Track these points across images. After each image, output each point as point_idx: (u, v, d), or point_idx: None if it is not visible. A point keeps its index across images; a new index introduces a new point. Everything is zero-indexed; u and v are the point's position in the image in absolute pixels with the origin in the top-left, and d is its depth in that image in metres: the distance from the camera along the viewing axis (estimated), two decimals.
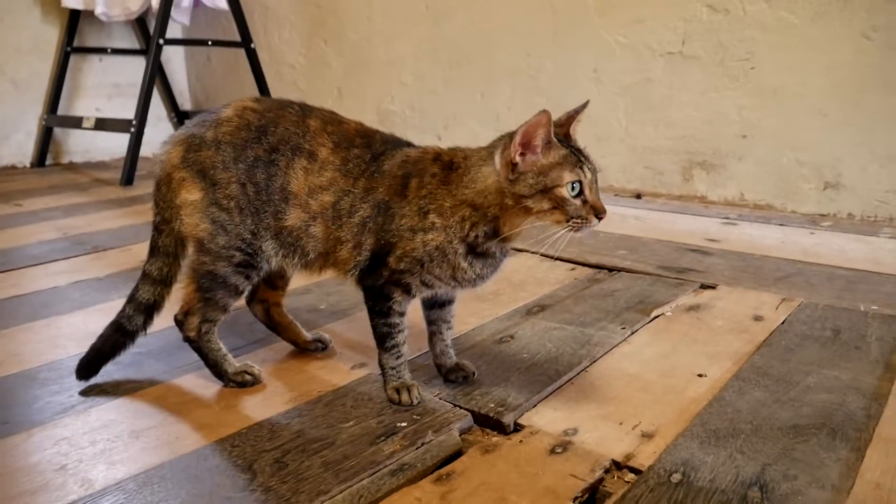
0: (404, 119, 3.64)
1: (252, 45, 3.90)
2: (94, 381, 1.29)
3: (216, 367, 1.28)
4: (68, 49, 4.06)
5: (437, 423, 1.12)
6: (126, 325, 1.27)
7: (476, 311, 1.65)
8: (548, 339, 1.47)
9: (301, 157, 1.20)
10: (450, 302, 1.29)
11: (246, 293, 1.28)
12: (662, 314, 1.63)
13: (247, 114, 1.23)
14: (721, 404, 1.18)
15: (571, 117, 1.15)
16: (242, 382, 1.27)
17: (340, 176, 1.19)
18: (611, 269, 1.97)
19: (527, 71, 3.17)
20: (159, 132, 4.58)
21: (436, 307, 1.29)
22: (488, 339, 1.48)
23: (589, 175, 1.08)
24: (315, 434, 1.10)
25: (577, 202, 1.07)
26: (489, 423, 1.14)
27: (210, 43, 4.11)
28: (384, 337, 1.21)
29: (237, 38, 3.90)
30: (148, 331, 1.30)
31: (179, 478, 0.99)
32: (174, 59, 4.67)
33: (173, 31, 4.16)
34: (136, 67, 4.26)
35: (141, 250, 2.20)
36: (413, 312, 1.26)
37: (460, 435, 1.11)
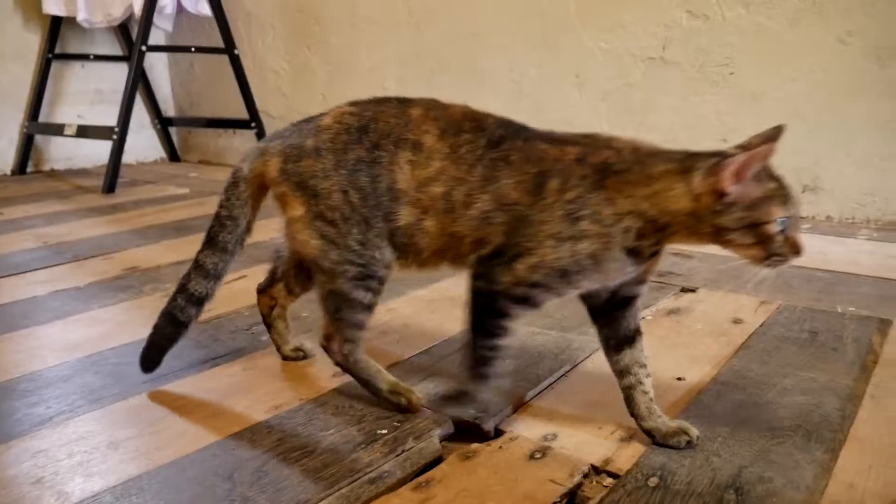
0: None
1: (235, 52, 3.89)
2: (72, 393, 1.28)
3: (367, 386, 1.22)
4: (50, 56, 4.03)
5: (418, 430, 1.12)
6: (179, 316, 1.25)
7: (457, 317, 1.64)
8: (529, 344, 1.47)
9: (405, 150, 1.10)
10: (637, 333, 1.10)
11: (376, 304, 1.19)
12: (643, 318, 1.64)
13: (345, 118, 1.16)
14: (699, 407, 1.19)
15: (768, 138, 0.99)
16: (397, 404, 1.18)
17: (450, 164, 1.08)
18: None
19: (509, 76, 3.19)
20: (142, 139, 4.57)
21: (625, 347, 1.09)
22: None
23: (795, 210, 0.97)
24: (295, 442, 1.10)
25: (780, 238, 0.96)
26: (470, 429, 1.15)
27: (193, 49, 4.10)
28: (480, 362, 1.06)
29: (220, 44, 3.89)
30: (199, 320, 1.29)
31: (158, 489, 0.98)
32: (157, 66, 4.65)
33: (156, 37, 4.14)
34: (118, 74, 4.22)
35: (124, 258, 2.21)
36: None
37: (441, 442, 1.12)
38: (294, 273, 1.34)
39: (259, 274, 1.45)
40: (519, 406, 1.22)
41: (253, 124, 3.94)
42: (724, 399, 1.22)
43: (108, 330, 1.60)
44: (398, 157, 1.10)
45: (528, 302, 1.04)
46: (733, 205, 0.94)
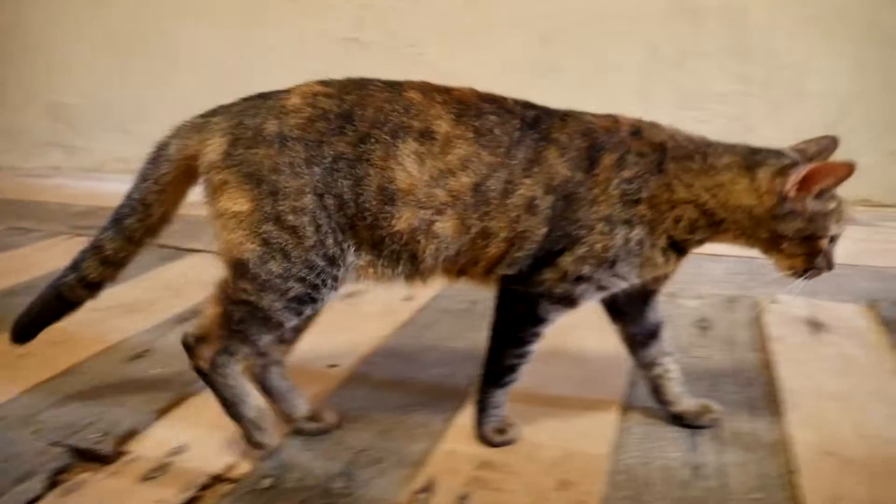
0: (81, 113, 3.28)
1: None
2: None
3: (229, 407, 1.00)
4: None
5: (21, 471, 1.00)
6: (67, 295, 1.08)
7: (118, 326, 1.52)
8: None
9: (408, 140, 0.94)
10: (661, 325, 1.08)
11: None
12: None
13: (320, 100, 0.96)
14: (341, 396, 1.21)
15: (826, 149, 0.99)
16: (256, 441, 1.00)
17: (481, 149, 0.94)
18: None
19: (213, 59, 3.02)
20: None
21: (651, 340, 1.07)
22: (120, 357, 1.37)
23: (844, 227, 0.96)
24: None
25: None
26: (88, 456, 1.05)
27: None
28: (507, 371, 1.02)
29: None
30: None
31: None
32: None
33: None
34: None
35: None
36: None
37: (57, 475, 1.01)
38: None
39: None
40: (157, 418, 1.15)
41: None
42: (367, 381, 1.26)
43: None
44: (399, 151, 0.94)
45: (568, 301, 0.97)
46: (794, 213, 0.92)
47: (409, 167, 0.93)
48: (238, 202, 0.93)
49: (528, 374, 1.04)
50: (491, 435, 1.04)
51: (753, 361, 1.34)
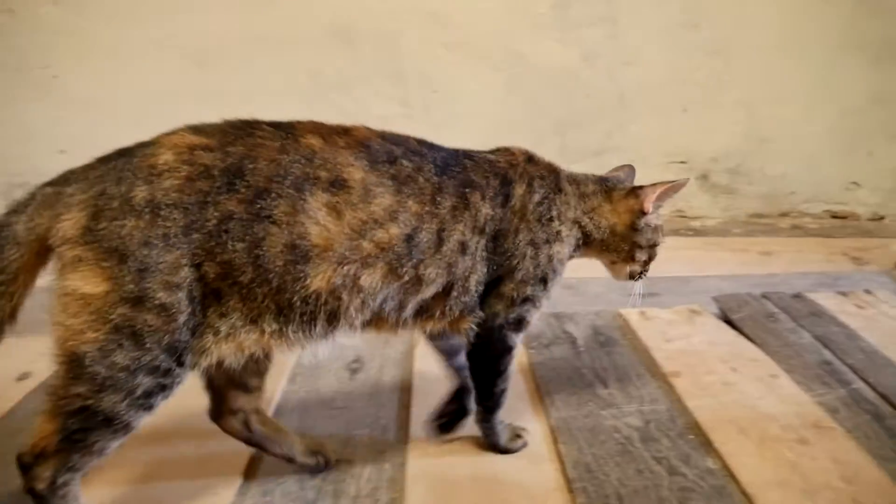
0: None
1: None
2: None
3: None
4: None
5: None
6: None
7: None
8: None
9: (317, 192, 0.87)
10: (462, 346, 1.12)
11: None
12: None
13: (199, 155, 0.84)
14: None
15: (629, 175, 1.20)
16: None
17: (406, 198, 0.93)
18: None
19: None
20: None
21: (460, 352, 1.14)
22: None
23: None
24: None
25: None
26: None
27: None
28: (499, 396, 1.11)
29: None
30: None
31: None
32: None
33: None
34: None
35: None
36: None
37: None
38: (243, 367, 0.96)
39: None
40: None
41: None
42: None
43: None
44: (307, 204, 0.87)
45: (522, 323, 1.06)
46: (647, 227, 1.12)
47: (322, 221, 0.87)
48: (91, 282, 0.81)
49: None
50: (509, 443, 1.15)
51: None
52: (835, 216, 2.77)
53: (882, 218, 2.76)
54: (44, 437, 0.84)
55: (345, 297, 0.91)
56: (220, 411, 1.05)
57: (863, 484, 1.07)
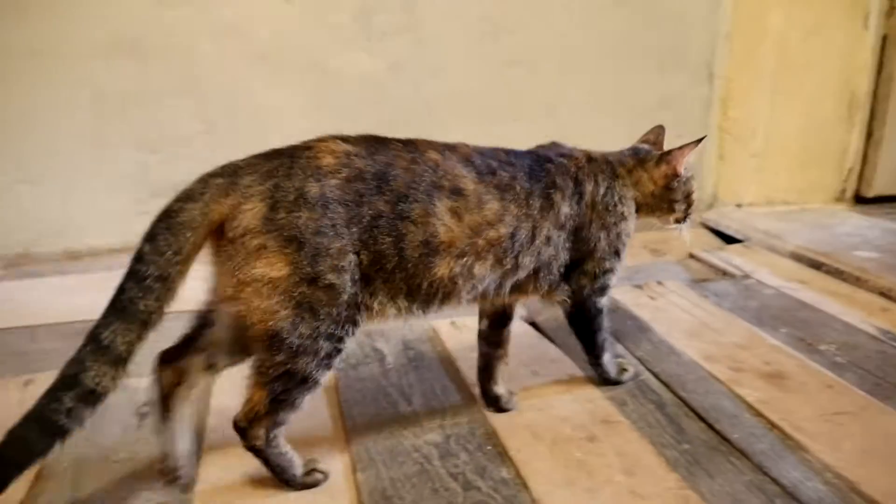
0: None
1: None
2: None
3: (283, 474, 1.08)
4: None
5: None
6: (59, 421, 0.90)
7: None
8: None
9: (443, 197, 1.07)
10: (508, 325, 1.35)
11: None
12: None
13: (354, 160, 1.02)
14: None
15: (660, 135, 1.43)
16: (315, 483, 1.09)
17: (508, 203, 1.13)
18: None
19: None
20: None
21: (505, 326, 1.35)
22: None
23: None
24: None
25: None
26: None
27: None
28: (604, 343, 1.36)
29: None
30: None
31: None
32: None
33: None
34: None
35: None
36: None
37: None
38: (230, 342, 1.07)
39: None
40: None
41: None
42: None
43: None
44: (436, 208, 1.06)
45: (605, 289, 1.30)
46: (680, 184, 1.31)
47: (447, 222, 1.06)
48: (276, 267, 0.95)
49: None
50: (618, 374, 1.41)
51: None
52: None
53: None
54: (255, 403, 1.02)
55: (460, 282, 1.11)
56: (171, 359, 1.10)
57: (641, 474, 1.12)
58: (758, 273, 2.14)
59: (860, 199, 3.20)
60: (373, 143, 1.07)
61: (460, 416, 1.31)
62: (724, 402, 1.35)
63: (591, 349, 1.37)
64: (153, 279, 0.94)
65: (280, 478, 1.08)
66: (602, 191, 1.25)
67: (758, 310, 1.84)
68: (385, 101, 2.44)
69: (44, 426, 0.91)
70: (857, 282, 2.09)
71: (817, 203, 3.09)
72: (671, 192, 1.32)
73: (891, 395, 1.38)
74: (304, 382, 1.02)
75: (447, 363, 1.54)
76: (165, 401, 1.10)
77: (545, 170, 1.20)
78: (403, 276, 1.06)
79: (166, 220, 0.96)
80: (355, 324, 1.04)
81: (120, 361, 0.94)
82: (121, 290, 0.95)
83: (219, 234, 0.98)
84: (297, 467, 1.09)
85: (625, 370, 1.42)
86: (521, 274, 1.19)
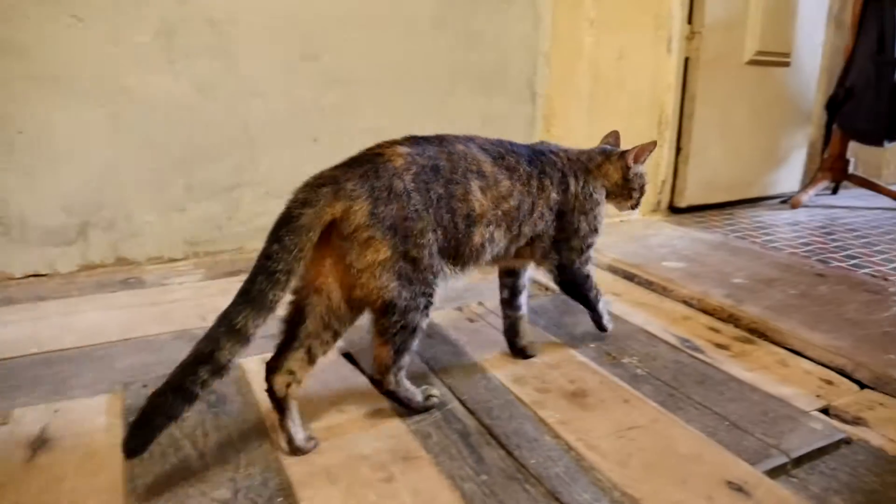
0: None
1: None
2: None
3: (410, 403, 1.37)
4: None
5: None
6: (195, 390, 1.09)
7: None
8: None
9: (474, 178, 1.33)
10: (523, 288, 1.66)
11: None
12: None
13: (416, 158, 1.27)
14: None
15: (617, 139, 1.72)
16: (433, 405, 1.40)
17: (516, 182, 1.41)
18: None
19: None
20: None
21: (520, 294, 1.67)
22: None
23: None
24: None
25: None
26: None
27: None
28: (595, 298, 1.70)
29: None
30: None
31: None
32: None
33: None
34: None
35: None
36: None
37: None
38: (321, 332, 1.27)
39: None
40: None
41: None
42: None
43: None
44: (471, 187, 1.33)
45: (589, 258, 1.60)
46: (635, 175, 1.62)
47: (479, 198, 1.34)
48: (382, 252, 1.19)
49: None
50: (608, 324, 1.79)
51: None
52: None
53: None
54: (384, 357, 1.29)
55: (487, 246, 1.38)
56: (277, 366, 1.28)
57: None
58: None
59: (674, 210, 3.44)
60: (419, 143, 1.31)
61: (254, 465, 1.23)
62: (526, 427, 1.36)
63: (586, 304, 1.71)
64: (281, 273, 1.11)
65: (408, 407, 1.37)
66: (581, 184, 1.54)
67: (572, 326, 1.89)
68: (195, 124, 2.30)
69: (183, 394, 1.08)
70: (664, 291, 2.22)
71: (635, 214, 3.27)
72: (629, 182, 1.63)
73: (682, 406, 1.45)
74: (415, 332, 1.29)
75: (250, 406, 1.45)
76: (281, 403, 1.27)
77: (540, 160, 1.49)
78: (455, 245, 1.31)
79: (288, 224, 1.13)
80: (436, 283, 1.29)
81: (246, 343, 1.11)
82: (251, 281, 1.11)
83: (325, 234, 1.18)
84: (419, 395, 1.38)
85: (431, 396, 1.42)
86: (522, 241, 1.47)
